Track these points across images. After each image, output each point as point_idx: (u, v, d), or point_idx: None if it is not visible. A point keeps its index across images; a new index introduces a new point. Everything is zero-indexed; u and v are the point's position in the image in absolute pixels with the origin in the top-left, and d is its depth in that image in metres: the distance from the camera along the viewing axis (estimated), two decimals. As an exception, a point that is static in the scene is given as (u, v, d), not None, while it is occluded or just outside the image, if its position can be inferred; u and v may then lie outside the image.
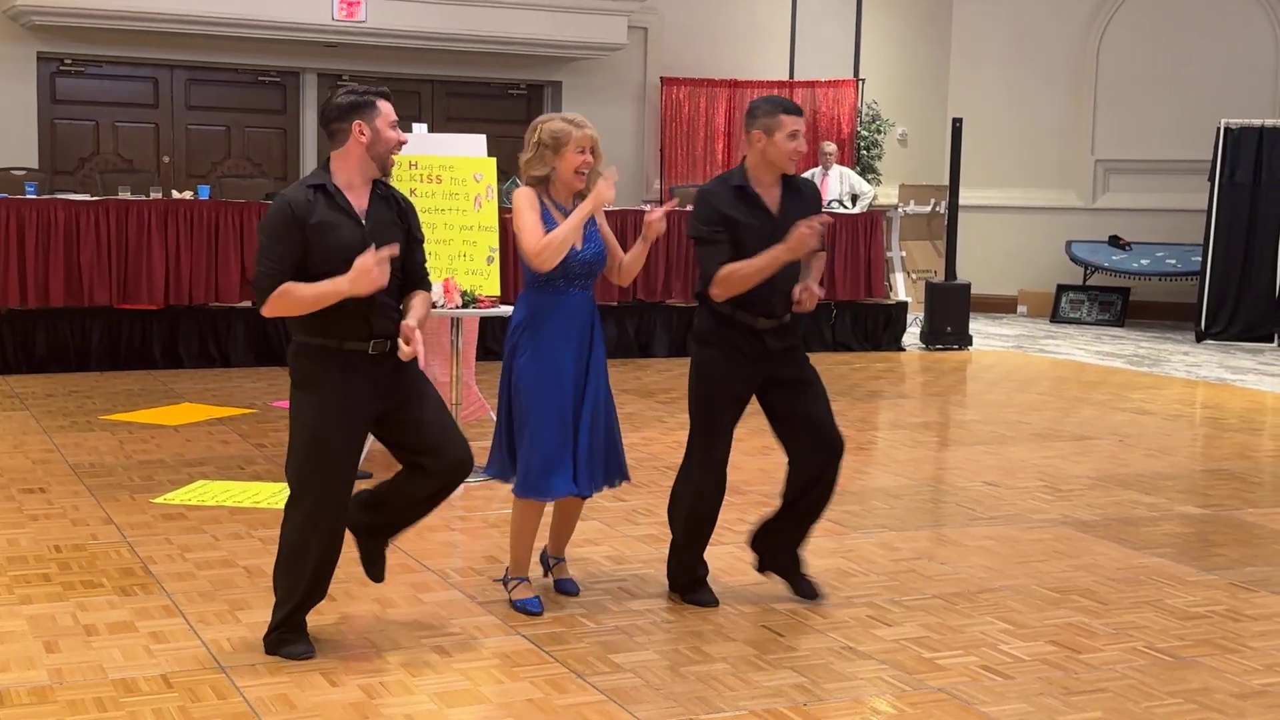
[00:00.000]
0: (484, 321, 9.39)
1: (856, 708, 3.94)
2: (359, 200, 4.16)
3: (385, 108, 4.16)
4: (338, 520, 4.16)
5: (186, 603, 4.70)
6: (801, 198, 4.75)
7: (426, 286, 4.33)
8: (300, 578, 4.15)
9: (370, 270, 3.99)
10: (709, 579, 4.92)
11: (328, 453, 4.10)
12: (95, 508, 5.99)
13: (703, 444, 4.75)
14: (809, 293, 4.64)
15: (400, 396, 4.23)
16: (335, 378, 4.11)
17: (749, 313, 4.65)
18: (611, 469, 4.73)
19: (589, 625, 4.59)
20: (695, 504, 4.78)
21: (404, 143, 4.21)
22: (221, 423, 8.15)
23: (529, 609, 4.65)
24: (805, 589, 4.91)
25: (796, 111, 4.68)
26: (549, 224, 4.57)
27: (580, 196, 4.63)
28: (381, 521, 4.41)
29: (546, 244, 4.50)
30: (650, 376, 10.49)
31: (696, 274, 4.79)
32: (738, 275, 4.58)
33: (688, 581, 4.88)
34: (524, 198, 4.59)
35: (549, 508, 4.81)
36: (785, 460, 4.83)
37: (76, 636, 4.33)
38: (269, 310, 4.09)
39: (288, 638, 4.20)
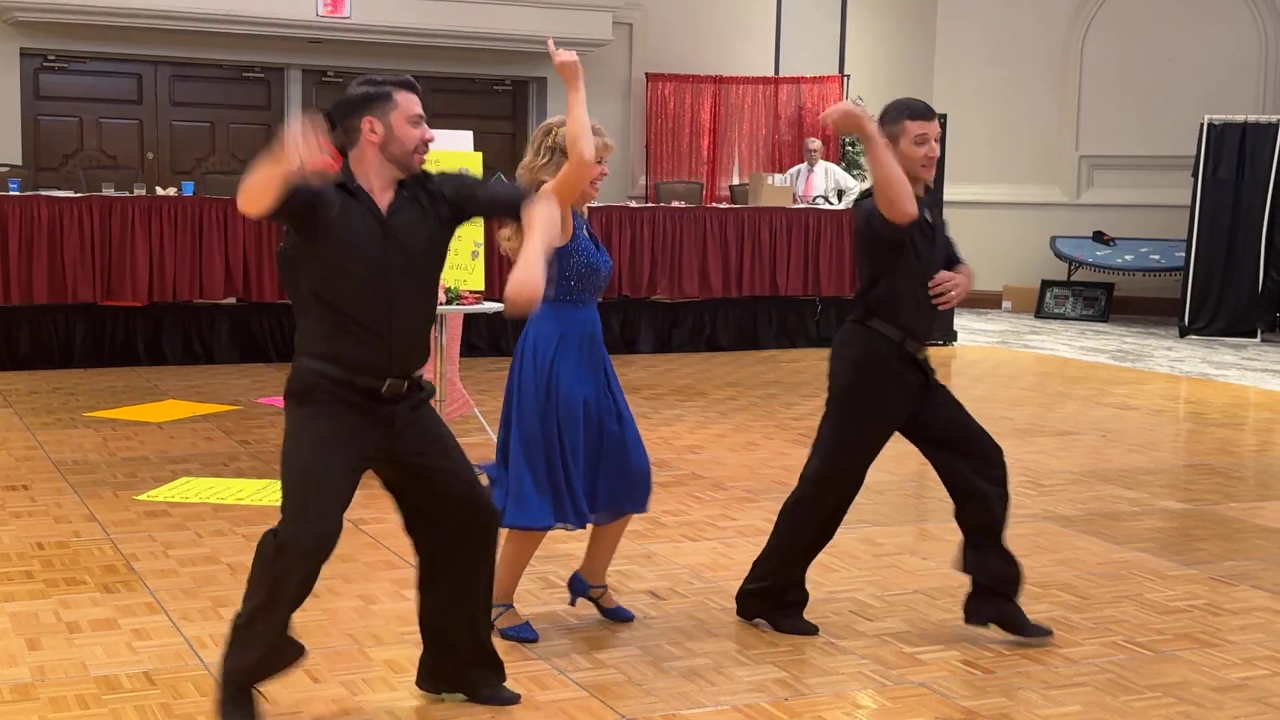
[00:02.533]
0: (468, 318, 9.39)
1: (838, 702, 3.96)
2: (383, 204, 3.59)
3: (405, 99, 3.57)
4: (313, 570, 3.53)
5: (169, 600, 4.70)
6: (937, 211, 4.52)
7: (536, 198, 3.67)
8: (258, 621, 3.54)
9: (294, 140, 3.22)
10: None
11: (316, 490, 3.51)
12: (78, 505, 5.98)
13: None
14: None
15: (416, 441, 3.65)
16: (337, 410, 3.54)
17: (915, 338, 4.39)
18: (615, 500, 4.39)
19: (571, 621, 4.60)
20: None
21: (429, 140, 3.62)
22: (205, 419, 8.14)
23: (525, 636, 4.36)
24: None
25: (925, 116, 4.30)
26: (579, 233, 4.30)
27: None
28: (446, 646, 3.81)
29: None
30: (635, 373, 10.50)
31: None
32: None
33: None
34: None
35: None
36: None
37: (59, 634, 4.33)
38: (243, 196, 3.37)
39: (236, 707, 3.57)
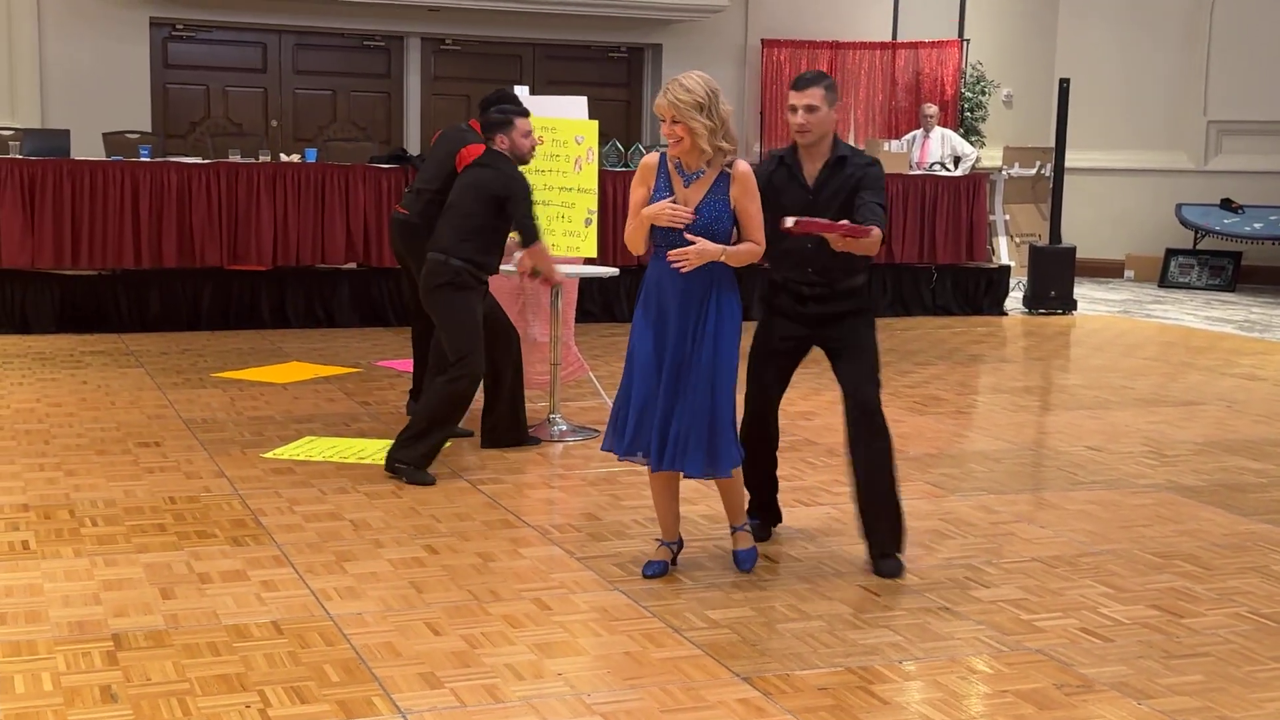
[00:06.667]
0: (582, 283, 9.45)
1: (953, 667, 3.94)
2: None
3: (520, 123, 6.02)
4: None
5: (295, 553, 4.83)
6: (840, 174, 4.77)
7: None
8: None
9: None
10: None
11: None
12: (208, 461, 6.16)
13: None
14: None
15: None
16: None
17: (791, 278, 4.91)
18: (684, 455, 4.49)
19: (686, 582, 4.64)
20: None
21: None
22: (328, 381, 8.32)
23: (644, 571, 4.67)
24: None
25: (796, 85, 4.79)
26: (656, 194, 4.52)
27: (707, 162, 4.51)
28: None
29: (627, 236, 4.57)
30: (745, 340, 10.47)
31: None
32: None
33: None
34: (636, 171, 4.59)
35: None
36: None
37: (191, 584, 4.48)
38: None
39: None
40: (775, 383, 5.01)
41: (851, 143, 14.98)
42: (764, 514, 5.18)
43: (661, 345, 4.53)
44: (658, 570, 4.68)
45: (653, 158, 4.57)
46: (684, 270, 4.45)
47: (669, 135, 4.48)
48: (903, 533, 4.84)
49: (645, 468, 4.69)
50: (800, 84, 4.78)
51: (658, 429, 4.50)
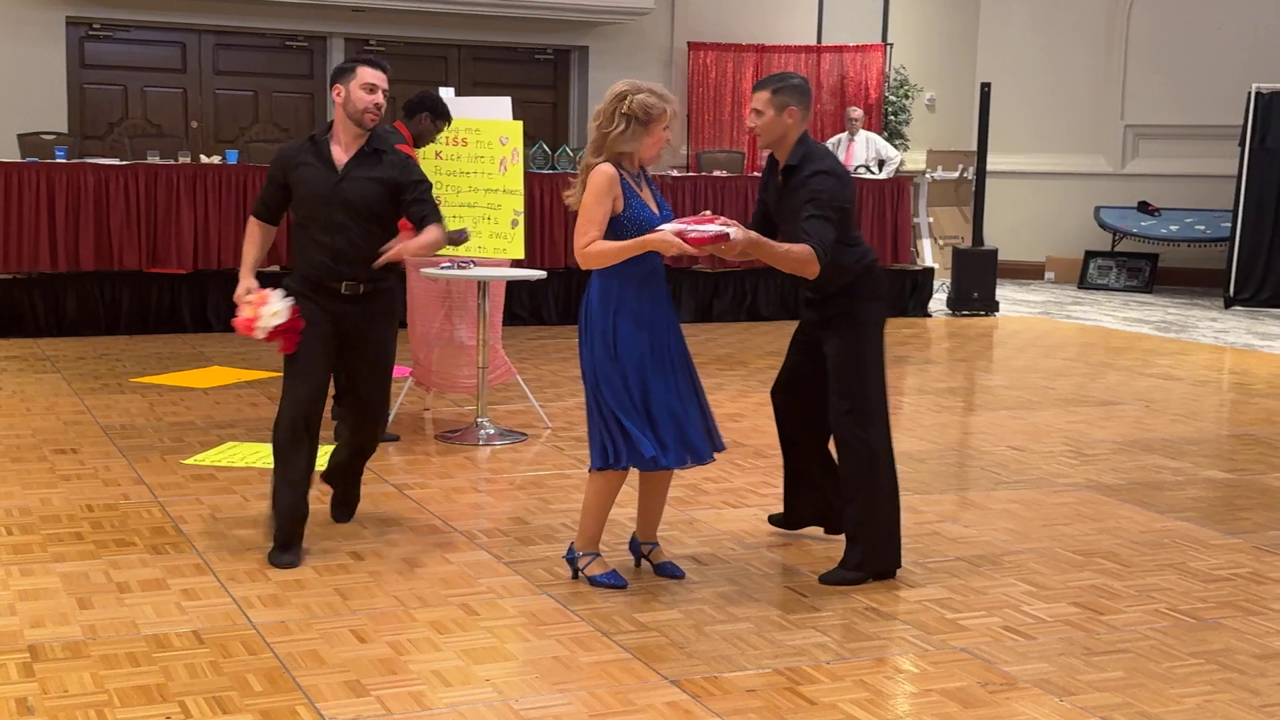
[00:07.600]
0: (510, 286, 9.43)
1: (880, 667, 3.97)
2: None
3: (362, 71, 4.77)
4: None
5: (217, 561, 4.76)
6: (789, 183, 4.70)
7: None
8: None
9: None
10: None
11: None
12: (126, 468, 6.06)
13: None
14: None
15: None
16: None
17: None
18: (716, 435, 4.67)
19: (614, 585, 4.63)
20: None
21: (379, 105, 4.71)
22: (250, 385, 8.22)
23: (615, 583, 4.56)
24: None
25: (754, 87, 4.75)
26: (632, 200, 4.41)
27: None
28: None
29: (597, 254, 4.38)
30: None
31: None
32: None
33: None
34: (603, 183, 4.37)
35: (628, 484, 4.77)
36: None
37: (109, 593, 4.40)
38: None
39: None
40: (790, 366, 5.08)
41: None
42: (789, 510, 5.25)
43: (675, 344, 4.55)
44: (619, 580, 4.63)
45: (611, 170, 4.40)
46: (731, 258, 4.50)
47: (666, 140, 4.46)
48: (865, 551, 4.71)
49: (582, 470, 4.68)
50: (755, 86, 4.78)
51: (697, 422, 4.55)
